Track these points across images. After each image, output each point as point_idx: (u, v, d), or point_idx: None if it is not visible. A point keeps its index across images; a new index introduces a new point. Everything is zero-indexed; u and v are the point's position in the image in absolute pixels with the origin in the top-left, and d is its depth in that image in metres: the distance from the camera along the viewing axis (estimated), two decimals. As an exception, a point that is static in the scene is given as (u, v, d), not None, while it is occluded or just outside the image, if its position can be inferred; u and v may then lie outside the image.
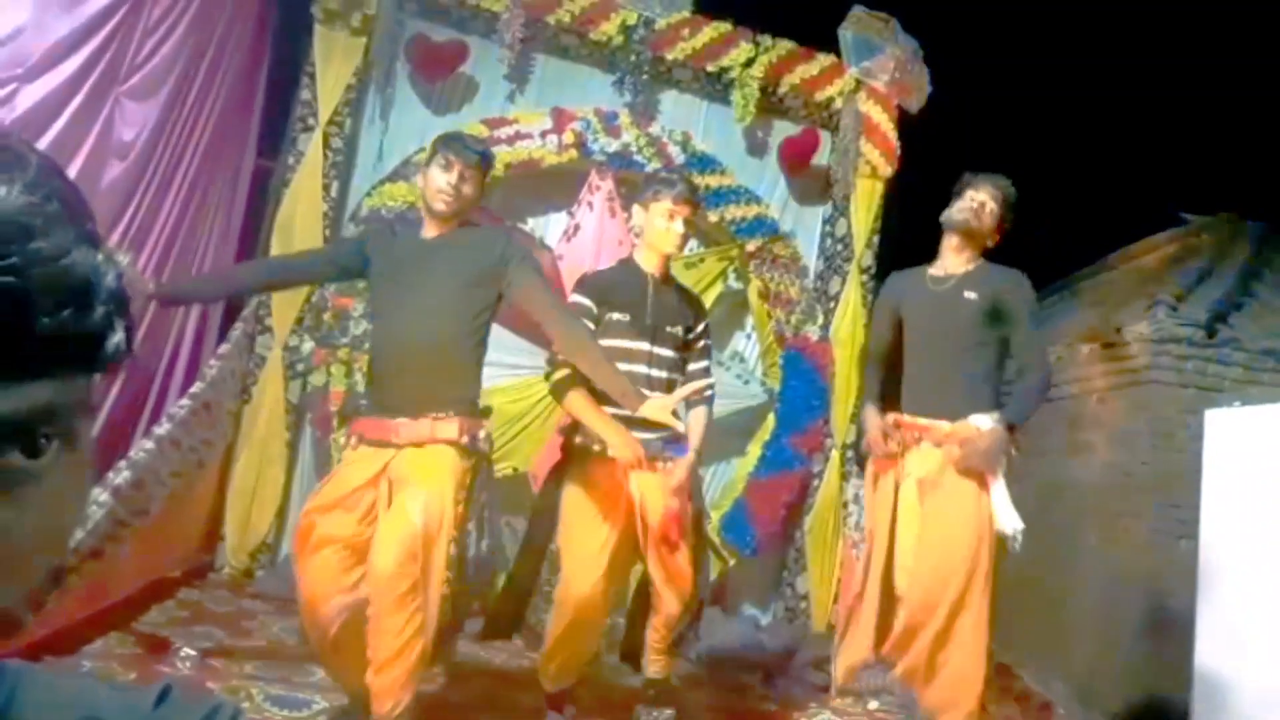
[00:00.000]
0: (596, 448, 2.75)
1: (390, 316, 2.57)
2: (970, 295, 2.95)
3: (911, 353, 3.10)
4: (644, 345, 2.82)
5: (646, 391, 2.63)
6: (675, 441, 2.82)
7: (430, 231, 2.63)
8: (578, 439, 2.82)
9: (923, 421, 3.00)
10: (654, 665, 3.04)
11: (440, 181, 2.57)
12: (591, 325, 2.79)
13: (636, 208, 2.96)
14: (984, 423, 2.87)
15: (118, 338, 0.44)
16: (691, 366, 2.98)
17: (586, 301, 2.84)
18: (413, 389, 2.50)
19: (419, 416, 2.48)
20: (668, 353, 2.87)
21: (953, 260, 3.05)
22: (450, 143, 2.62)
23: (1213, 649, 3.25)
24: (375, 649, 2.31)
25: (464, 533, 2.49)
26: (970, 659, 2.77)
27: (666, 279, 2.96)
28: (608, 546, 2.73)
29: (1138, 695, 3.99)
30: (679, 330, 2.90)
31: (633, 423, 2.64)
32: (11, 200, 0.41)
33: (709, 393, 2.91)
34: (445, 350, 2.52)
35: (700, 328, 2.99)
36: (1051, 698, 4.31)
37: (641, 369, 2.80)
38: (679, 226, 2.83)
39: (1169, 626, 3.79)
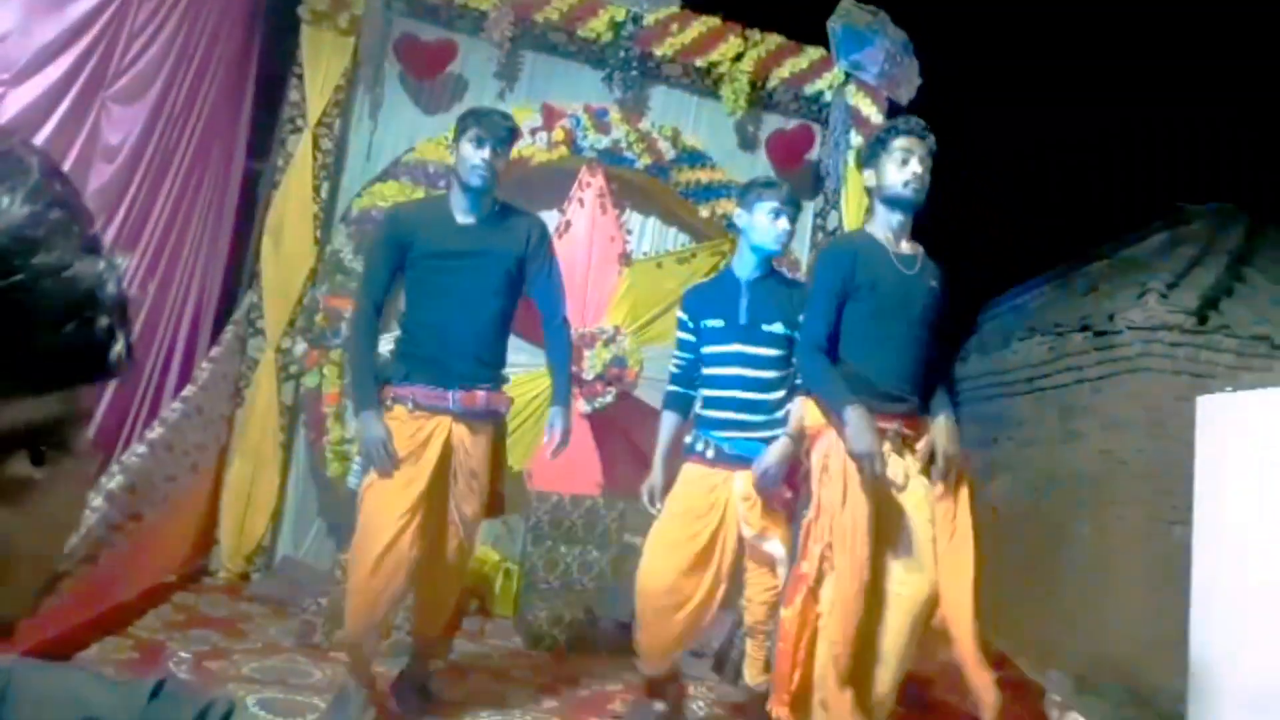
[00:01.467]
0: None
1: (437, 301, 2.71)
2: (934, 285, 2.72)
3: (873, 339, 2.65)
4: (738, 347, 2.85)
5: (740, 394, 2.82)
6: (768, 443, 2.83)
7: (467, 214, 2.75)
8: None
9: (894, 420, 2.63)
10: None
11: (475, 158, 2.67)
12: (690, 337, 2.98)
13: (739, 212, 3.01)
14: (948, 422, 2.68)
15: (119, 347, 0.44)
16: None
17: (684, 317, 3.02)
18: (459, 365, 2.67)
19: (469, 389, 2.68)
20: (768, 351, 2.84)
21: (904, 239, 2.74)
22: (480, 118, 2.71)
23: (1207, 634, 3.26)
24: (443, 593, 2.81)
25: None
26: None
27: (767, 276, 2.95)
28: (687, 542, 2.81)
29: (1133, 681, 4.01)
30: (778, 327, 2.85)
31: (723, 428, 2.83)
32: (15, 212, 0.40)
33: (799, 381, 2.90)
34: (487, 331, 2.75)
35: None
36: (1046, 685, 4.32)
37: (741, 370, 2.84)
38: (785, 223, 2.88)
39: (1163, 613, 3.80)
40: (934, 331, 2.73)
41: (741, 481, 2.80)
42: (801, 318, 2.73)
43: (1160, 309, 4.25)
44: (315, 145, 4.57)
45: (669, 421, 3.03)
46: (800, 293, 2.94)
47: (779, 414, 2.84)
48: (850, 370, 2.63)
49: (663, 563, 2.79)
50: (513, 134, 2.78)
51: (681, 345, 3.02)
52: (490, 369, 2.77)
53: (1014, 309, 6.19)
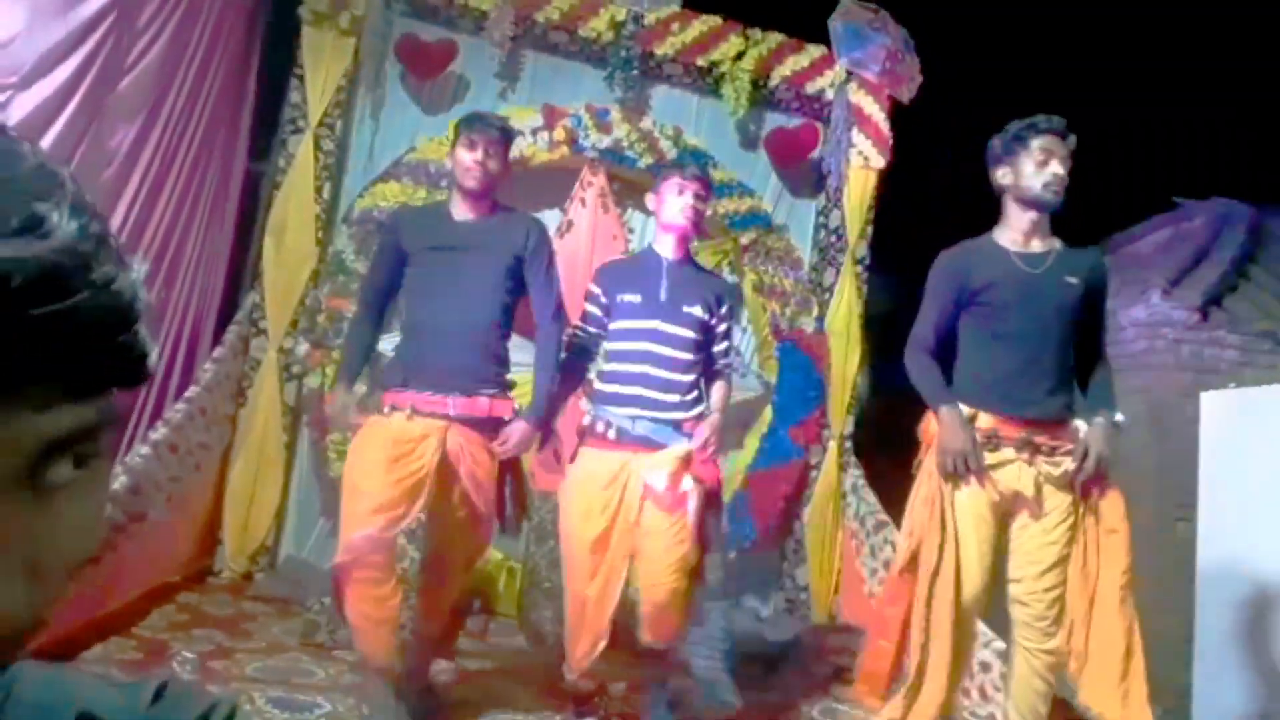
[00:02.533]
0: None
1: (434, 297, 2.71)
2: (1072, 280, 2.59)
3: (994, 342, 2.60)
4: (655, 324, 2.81)
5: (653, 371, 2.76)
6: (676, 429, 2.79)
7: (465, 213, 2.78)
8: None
9: (1025, 425, 2.56)
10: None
11: (467, 160, 2.72)
12: (599, 312, 2.92)
13: (650, 196, 2.99)
14: (1105, 422, 2.58)
15: (155, 353, 0.46)
16: (715, 348, 2.95)
17: (597, 290, 2.95)
18: (458, 368, 2.66)
19: (470, 395, 2.66)
20: (685, 333, 2.82)
21: (1036, 238, 2.65)
22: (471, 122, 2.77)
23: (1213, 630, 3.26)
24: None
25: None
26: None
27: (686, 260, 2.96)
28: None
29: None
30: (697, 309, 2.85)
31: (633, 405, 2.77)
32: (67, 228, 0.41)
33: (726, 365, 2.99)
34: (487, 331, 2.73)
35: (724, 309, 2.95)
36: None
37: (656, 348, 2.79)
38: (689, 199, 2.85)
39: (1168, 608, 3.80)
40: (1079, 330, 2.62)
41: (650, 472, 2.70)
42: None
43: (1163, 306, 4.25)
44: (317, 146, 4.57)
45: (570, 369, 2.98)
46: (718, 283, 3.05)
47: (689, 397, 2.81)
48: (970, 375, 2.60)
49: (583, 569, 2.70)
50: (505, 134, 2.81)
51: (586, 317, 2.96)
52: (490, 371, 2.74)
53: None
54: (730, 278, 5.19)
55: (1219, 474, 3.35)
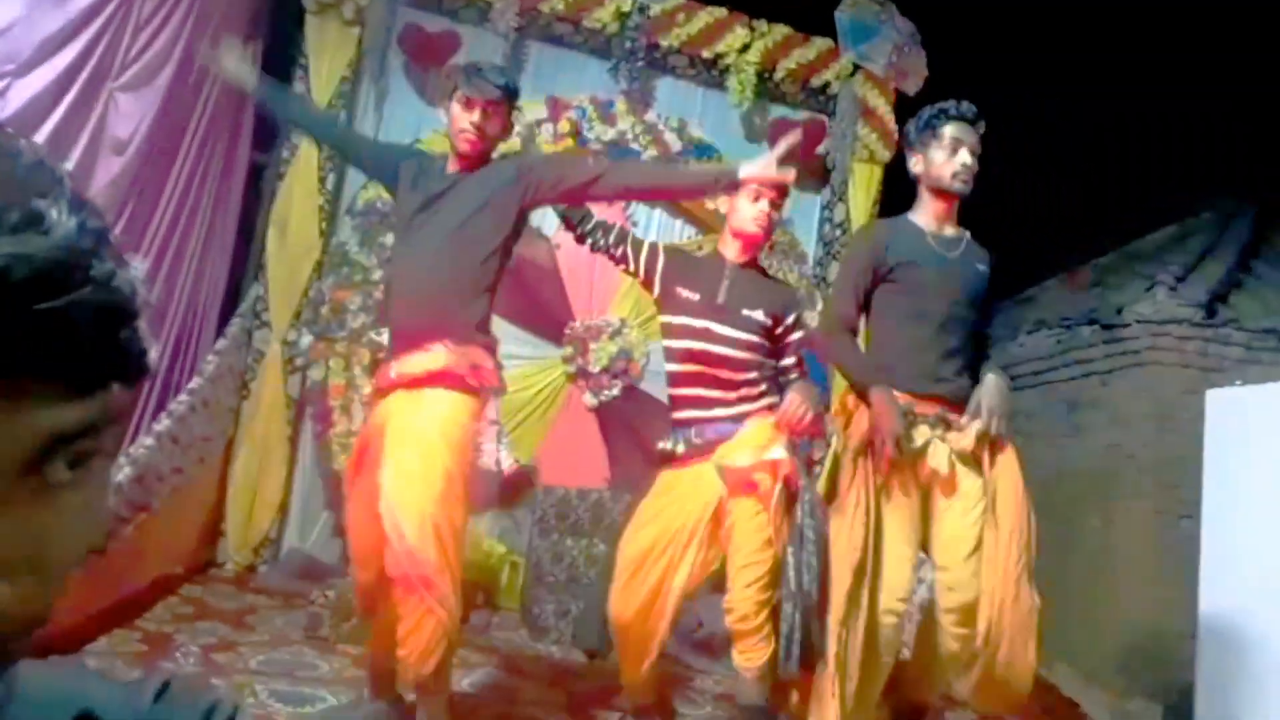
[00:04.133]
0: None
1: (402, 253, 2.51)
2: (980, 268, 2.64)
3: (911, 321, 2.59)
4: (709, 324, 2.60)
5: (708, 371, 2.56)
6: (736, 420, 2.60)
7: (454, 166, 2.52)
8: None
9: (938, 403, 2.55)
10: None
11: (463, 121, 2.43)
12: (644, 259, 2.71)
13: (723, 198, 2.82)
14: (997, 379, 2.56)
15: (154, 349, 0.47)
16: (786, 361, 2.70)
17: (653, 259, 2.72)
18: (413, 326, 2.38)
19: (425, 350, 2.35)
20: (743, 335, 2.60)
21: (949, 224, 2.66)
22: (471, 78, 2.44)
23: (1216, 628, 3.25)
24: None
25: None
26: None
27: (751, 265, 2.73)
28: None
29: (1141, 676, 4.00)
30: (759, 314, 2.62)
31: (690, 406, 2.60)
32: (66, 224, 0.41)
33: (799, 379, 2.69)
34: (450, 282, 2.39)
35: (792, 319, 2.70)
36: (1054, 679, 4.32)
37: (712, 348, 2.58)
38: (764, 205, 2.63)
39: (1171, 606, 3.79)
40: (982, 313, 2.66)
41: (729, 456, 2.53)
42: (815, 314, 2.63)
43: (1169, 302, 4.23)
44: (320, 138, 4.56)
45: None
46: (788, 293, 2.89)
47: (751, 394, 2.61)
48: (886, 353, 2.59)
49: (636, 588, 2.51)
50: (508, 93, 2.47)
51: (638, 239, 2.78)
52: (451, 324, 2.38)
53: (1021, 302, 6.17)
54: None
55: (1223, 472, 3.34)
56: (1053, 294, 5.99)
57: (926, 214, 2.66)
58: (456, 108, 2.45)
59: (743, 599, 2.44)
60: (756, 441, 2.54)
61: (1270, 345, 4.24)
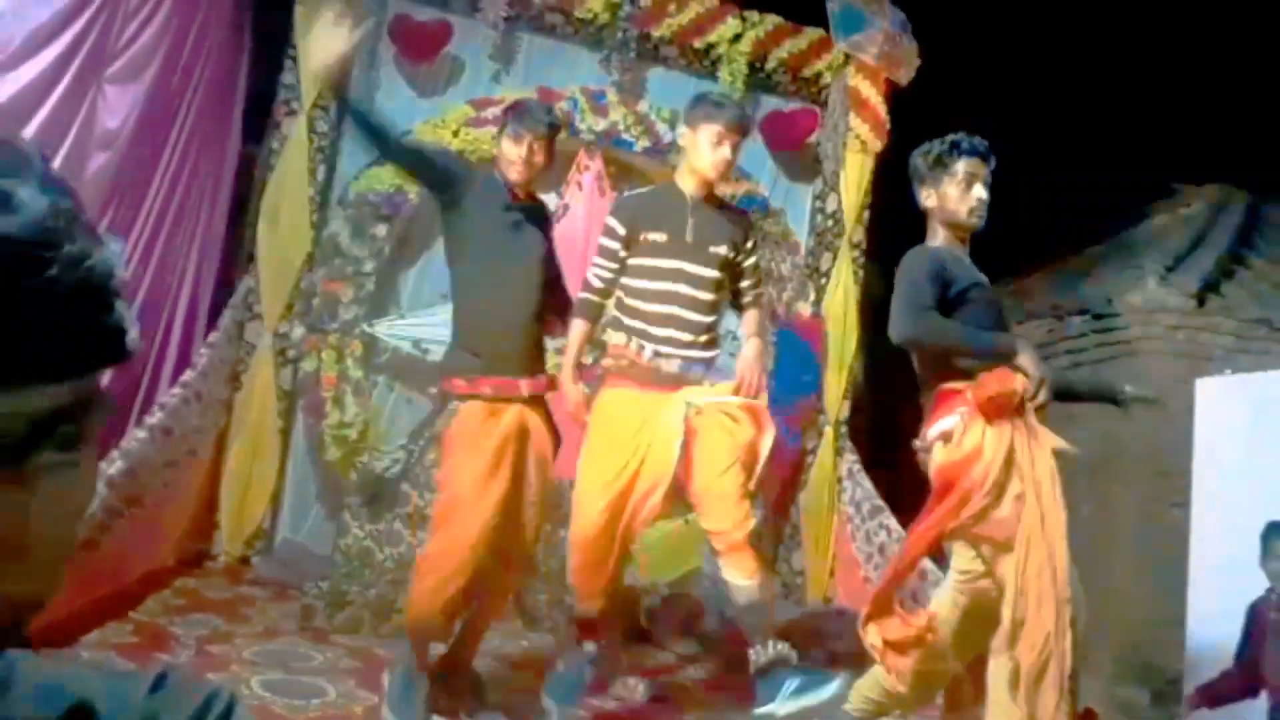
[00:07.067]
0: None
1: (493, 281, 2.75)
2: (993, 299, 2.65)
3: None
4: (681, 264, 2.74)
5: (679, 312, 2.72)
6: (706, 364, 2.78)
7: (509, 197, 2.81)
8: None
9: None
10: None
11: (512, 154, 2.76)
12: (619, 248, 2.82)
13: (683, 129, 2.86)
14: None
15: (135, 330, 0.46)
16: (743, 284, 2.90)
17: (616, 224, 2.82)
18: (517, 351, 2.75)
19: (531, 376, 2.76)
20: (710, 273, 2.76)
21: (964, 253, 2.65)
22: (521, 116, 2.78)
23: (1205, 616, 3.28)
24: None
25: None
26: None
27: (709, 199, 2.85)
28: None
29: (1131, 663, 4.03)
30: (723, 249, 2.79)
31: (664, 344, 2.73)
32: (36, 204, 0.41)
33: (757, 295, 2.96)
34: (536, 318, 2.81)
35: (749, 245, 2.90)
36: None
37: (683, 288, 2.73)
38: (726, 152, 2.73)
39: (1161, 594, 3.82)
40: None
41: (692, 397, 2.67)
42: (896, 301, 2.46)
43: (1159, 291, 4.25)
44: (310, 128, 4.54)
45: (581, 330, 2.87)
46: (744, 220, 2.98)
47: (713, 336, 2.81)
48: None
49: (594, 508, 2.68)
50: (553, 129, 2.82)
51: (607, 254, 2.85)
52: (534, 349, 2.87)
53: (1011, 292, 6.18)
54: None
55: (1213, 460, 3.36)
56: (1043, 283, 6.01)
57: (946, 244, 2.61)
58: (507, 143, 2.77)
59: (721, 511, 2.55)
60: (723, 393, 2.70)
61: (1261, 334, 4.26)
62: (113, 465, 3.12)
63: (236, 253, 4.76)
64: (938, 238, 2.61)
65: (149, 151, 3.84)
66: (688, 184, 2.81)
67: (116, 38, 3.54)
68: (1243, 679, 3.08)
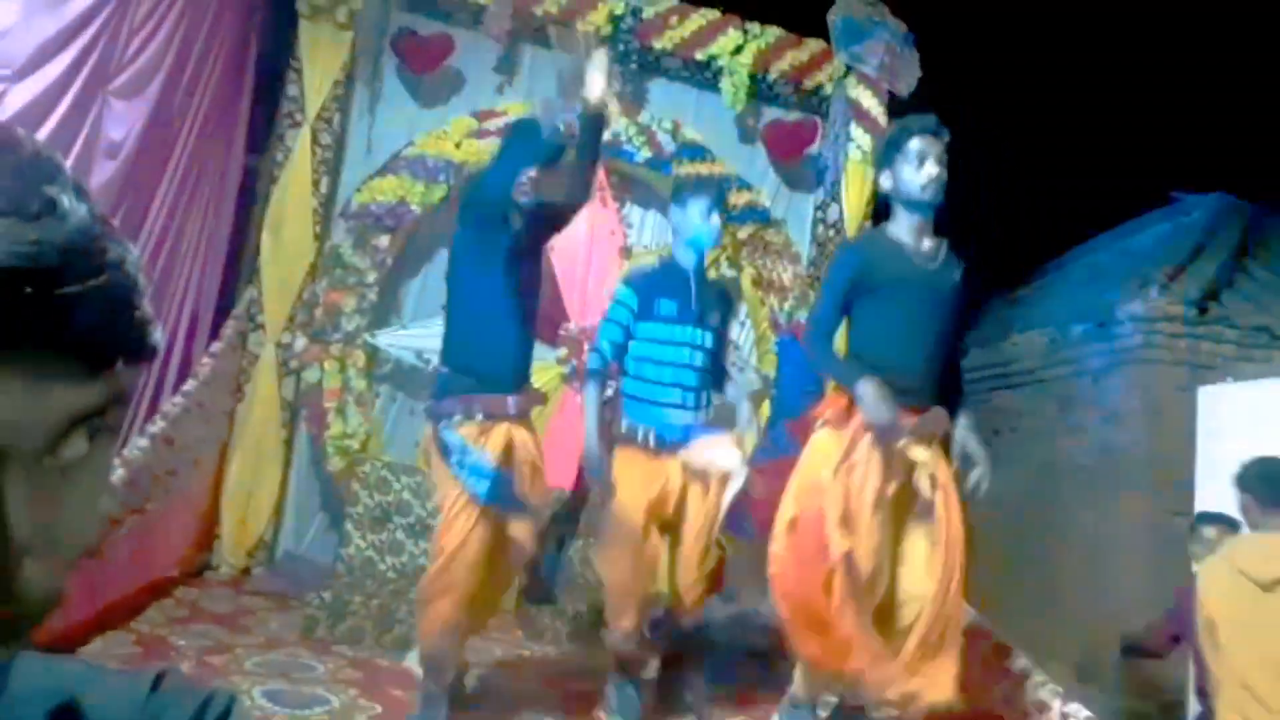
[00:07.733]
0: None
1: (490, 300, 2.78)
2: (956, 280, 2.69)
3: (880, 331, 2.67)
4: (690, 331, 2.98)
5: (686, 378, 2.97)
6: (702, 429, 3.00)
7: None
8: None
9: (912, 412, 2.59)
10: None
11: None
12: (629, 318, 3.01)
13: (673, 208, 3.10)
14: (968, 422, 2.68)
15: (158, 329, 0.48)
16: (725, 357, 3.19)
17: (631, 296, 3.02)
18: (509, 368, 2.78)
19: (519, 394, 2.80)
20: (709, 343, 3.02)
21: (925, 236, 2.69)
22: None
23: (1209, 624, 3.26)
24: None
25: None
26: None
27: (702, 272, 3.11)
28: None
29: (1133, 671, 4.01)
30: (716, 321, 3.05)
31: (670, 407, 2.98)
32: (78, 210, 0.43)
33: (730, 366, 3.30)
34: (530, 330, 2.88)
35: (732, 317, 3.21)
36: (1048, 675, 4.32)
37: (691, 354, 2.97)
38: (716, 223, 3.03)
39: (1164, 602, 3.80)
40: (956, 326, 2.74)
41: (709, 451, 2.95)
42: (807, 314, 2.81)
43: (1161, 300, 4.25)
44: (314, 140, 4.57)
45: (598, 394, 3.01)
46: (727, 292, 3.27)
47: (706, 399, 3.05)
48: (863, 363, 2.62)
49: (635, 542, 2.86)
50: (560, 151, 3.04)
51: (621, 318, 3.01)
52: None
53: (1014, 301, 6.18)
54: (729, 272, 5.20)
55: (1215, 468, 3.36)
56: (1045, 292, 6.01)
57: (902, 228, 2.69)
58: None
59: (693, 567, 3.00)
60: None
61: (1262, 343, 4.26)
62: (114, 473, 3.13)
63: (239, 263, 4.78)
64: (897, 221, 2.69)
65: (153, 163, 3.87)
66: (687, 259, 3.05)
67: (122, 51, 3.56)
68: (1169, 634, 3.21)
